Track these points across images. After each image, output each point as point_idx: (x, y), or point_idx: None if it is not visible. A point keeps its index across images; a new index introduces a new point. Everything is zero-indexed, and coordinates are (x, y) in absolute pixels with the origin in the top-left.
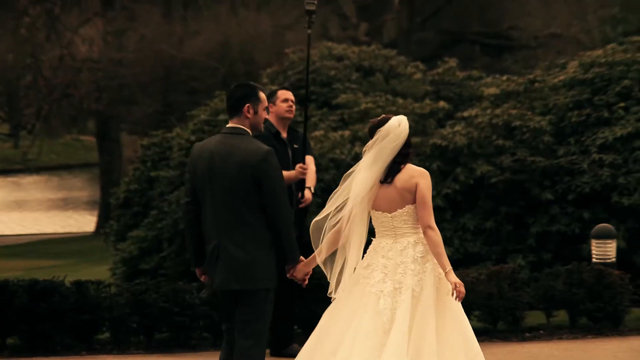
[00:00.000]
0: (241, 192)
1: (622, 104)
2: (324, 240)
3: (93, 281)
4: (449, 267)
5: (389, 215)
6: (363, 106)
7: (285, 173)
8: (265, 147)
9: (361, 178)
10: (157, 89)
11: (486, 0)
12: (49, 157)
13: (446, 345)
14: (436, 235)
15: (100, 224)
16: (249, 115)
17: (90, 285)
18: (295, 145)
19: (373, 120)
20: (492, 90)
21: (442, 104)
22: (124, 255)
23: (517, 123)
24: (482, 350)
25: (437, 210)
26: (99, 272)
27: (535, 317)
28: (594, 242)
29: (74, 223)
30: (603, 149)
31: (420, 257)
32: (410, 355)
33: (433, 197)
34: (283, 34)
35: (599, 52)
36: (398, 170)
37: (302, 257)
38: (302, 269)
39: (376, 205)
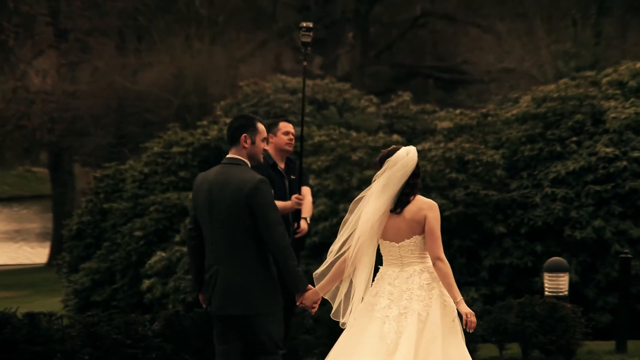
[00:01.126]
0: (236, 220)
1: (574, 138)
2: (330, 271)
3: (45, 313)
4: (459, 297)
5: (397, 245)
6: (317, 139)
7: (281, 204)
8: (259, 176)
9: (370, 208)
10: (111, 121)
11: (439, 35)
12: (2, 188)
13: None
14: (446, 266)
15: (52, 256)
16: (246, 145)
17: (42, 317)
18: (292, 176)
19: (383, 150)
20: (446, 124)
21: (395, 137)
22: (76, 287)
23: (470, 157)
24: None
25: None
26: (52, 303)
27: (487, 350)
28: (546, 275)
29: (26, 255)
30: (555, 182)
31: (426, 284)
32: None
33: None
34: (237, 66)
35: (552, 86)
36: (407, 202)
37: (309, 285)
38: (311, 297)
39: (384, 234)
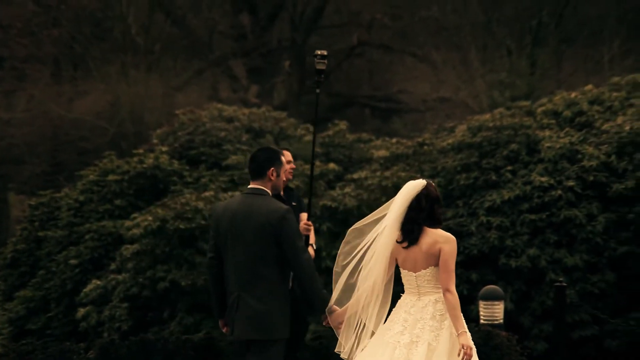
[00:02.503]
0: (260, 249)
1: (509, 168)
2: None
3: None
4: (462, 329)
5: (414, 274)
6: None
7: None
8: (285, 206)
9: (382, 241)
10: (46, 149)
11: (376, 65)
12: None
13: None
14: (454, 298)
15: None
16: (272, 178)
17: None
18: (293, 203)
19: None
20: (382, 153)
21: (332, 165)
22: (10, 315)
23: None
24: None
25: (327, 271)
26: None
27: None
28: (481, 304)
29: None
30: (491, 211)
31: (440, 314)
32: None
33: (324, 258)
34: (173, 95)
35: (487, 116)
36: (412, 231)
37: (335, 307)
38: (336, 318)
39: (403, 264)
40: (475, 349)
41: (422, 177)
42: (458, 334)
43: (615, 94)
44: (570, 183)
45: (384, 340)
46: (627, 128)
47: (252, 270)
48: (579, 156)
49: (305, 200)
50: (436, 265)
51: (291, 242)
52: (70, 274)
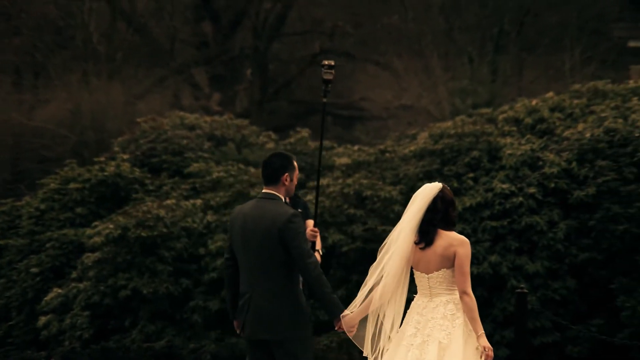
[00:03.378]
0: (269, 250)
1: (471, 175)
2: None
3: None
4: (481, 331)
5: (427, 276)
6: (215, 175)
7: None
8: (292, 210)
9: (400, 242)
10: (7, 157)
11: (337, 72)
12: None
13: None
14: (471, 301)
15: None
16: (286, 183)
17: None
18: (299, 210)
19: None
20: (344, 160)
21: None
22: None
23: (368, 192)
24: None
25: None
26: None
27: None
28: None
29: None
30: None
31: (450, 314)
32: None
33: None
34: (135, 103)
35: (449, 123)
36: (428, 232)
37: (346, 311)
38: (348, 322)
39: (416, 265)
40: (492, 349)
41: (384, 184)
42: (478, 336)
43: (576, 101)
44: (532, 190)
45: (400, 344)
46: (588, 135)
47: (262, 272)
48: (540, 163)
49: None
50: (449, 267)
51: (296, 245)
52: (31, 282)
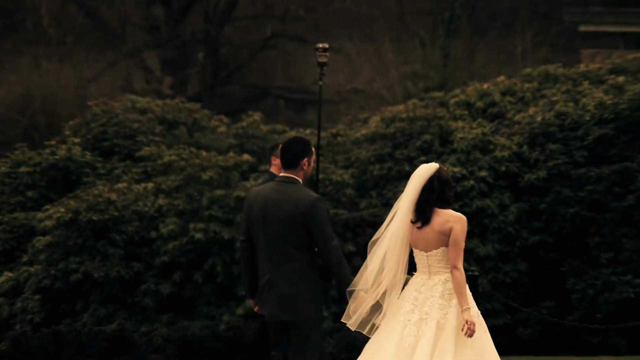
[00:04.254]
0: (290, 234)
1: (422, 158)
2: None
3: None
4: (466, 305)
5: (425, 254)
6: (166, 159)
7: None
8: (315, 194)
9: (396, 220)
10: None
11: (289, 56)
12: None
13: None
14: (461, 276)
15: None
16: (305, 168)
17: None
18: None
19: None
20: None
21: (246, 157)
22: None
23: (320, 176)
24: None
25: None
26: None
27: None
28: None
29: None
30: None
31: (448, 293)
32: None
33: (238, 249)
34: (86, 86)
35: (401, 107)
36: (424, 210)
37: (362, 293)
38: (361, 303)
39: (415, 244)
40: (486, 327)
41: (336, 167)
42: (462, 310)
43: (527, 85)
44: (483, 173)
45: (396, 320)
46: (539, 119)
47: (283, 254)
48: (491, 147)
49: None
50: (447, 245)
51: (320, 229)
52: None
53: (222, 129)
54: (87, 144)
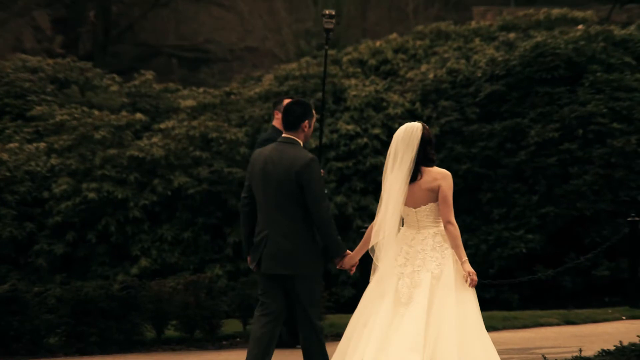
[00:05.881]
0: (287, 192)
1: (316, 116)
2: (362, 240)
3: None
4: (464, 257)
5: (414, 210)
6: (58, 118)
7: None
8: (310, 155)
9: (392, 180)
10: None
11: (182, 14)
12: None
13: (466, 316)
14: (455, 229)
15: None
16: (305, 130)
17: None
18: None
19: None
20: (189, 103)
21: (139, 116)
22: None
23: (214, 135)
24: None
25: (135, 221)
26: None
27: (232, 326)
28: None
29: None
30: None
31: (439, 246)
32: (434, 321)
33: (131, 208)
34: None
35: (294, 65)
36: (418, 170)
37: (348, 251)
38: (348, 262)
39: (404, 201)
40: (476, 273)
41: (230, 126)
42: (462, 262)
43: (419, 42)
44: (376, 131)
45: (391, 273)
46: (431, 76)
47: (280, 211)
48: (384, 104)
49: None
50: (434, 201)
51: (312, 188)
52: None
53: (115, 88)
54: None
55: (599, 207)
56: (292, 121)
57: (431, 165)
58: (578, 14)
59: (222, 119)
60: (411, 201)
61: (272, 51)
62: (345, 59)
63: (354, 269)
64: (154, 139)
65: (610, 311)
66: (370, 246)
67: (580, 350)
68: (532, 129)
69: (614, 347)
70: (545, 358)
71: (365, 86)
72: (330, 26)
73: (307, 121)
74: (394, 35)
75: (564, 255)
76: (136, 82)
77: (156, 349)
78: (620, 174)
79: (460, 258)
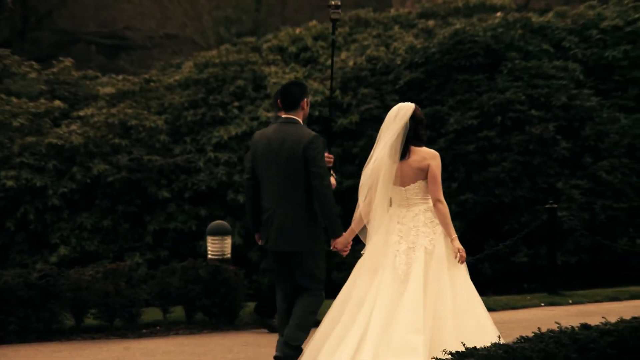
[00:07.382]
0: (292, 170)
1: (236, 104)
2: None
3: None
4: (454, 234)
5: (403, 189)
6: None
7: None
8: (314, 133)
9: (377, 156)
10: None
11: (101, 1)
12: None
13: (460, 288)
14: (444, 207)
15: None
16: (305, 108)
17: None
18: None
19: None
20: (108, 90)
21: (57, 103)
22: None
23: (133, 122)
24: (99, 348)
25: (54, 209)
26: None
27: (151, 314)
28: (209, 239)
29: None
30: (218, 147)
31: (430, 221)
32: (431, 298)
33: (50, 196)
34: None
35: (214, 52)
36: (407, 149)
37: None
38: (342, 242)
39: (394, 180)
40: (464, 250)
41: (150, 113)
42: (452, 239)
43: (339, 29)
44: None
45: (386, 250)
46: (351, 63)
47: (285, 189)
48: None
49: None
50: (423, 179)
51: (315, 164)
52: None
53: (33, 75)
54: None
55: (517, 194)
56: (292, 101)
57: (420, 145)
58: (496, 1)
59: (141, 106)
60: (400, 180)
61: (192, 38)
62: (265, 46)
63: (347, 249)
64: (73, 127)
65: (529, 298)
66: (360, 227)
67: (499, 337)
68: (451, 116)
69: (533, 334)
70: (463, 345)
71: (286, 73)
72: (337, 17)
73: (305, 99)
74: (314, 22)
75: (483, 242)
76: (55, 70)
77: (76, 337)
78: (538, 161)
79: (450, 235)
